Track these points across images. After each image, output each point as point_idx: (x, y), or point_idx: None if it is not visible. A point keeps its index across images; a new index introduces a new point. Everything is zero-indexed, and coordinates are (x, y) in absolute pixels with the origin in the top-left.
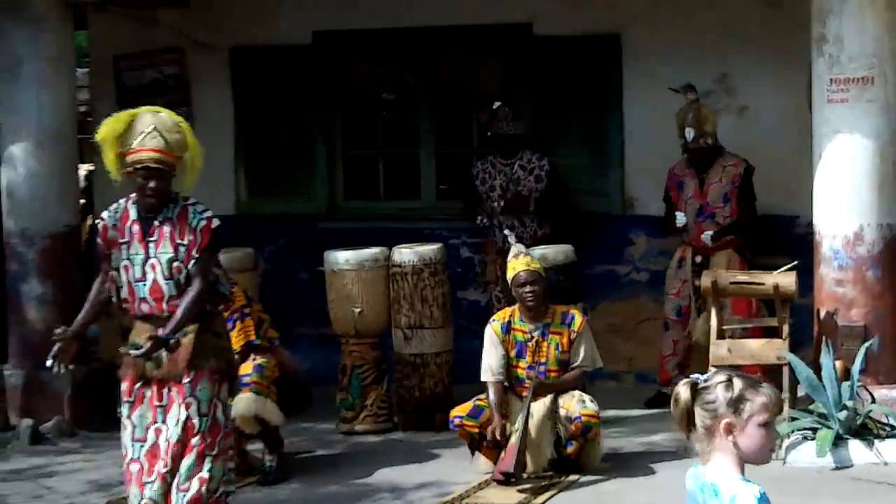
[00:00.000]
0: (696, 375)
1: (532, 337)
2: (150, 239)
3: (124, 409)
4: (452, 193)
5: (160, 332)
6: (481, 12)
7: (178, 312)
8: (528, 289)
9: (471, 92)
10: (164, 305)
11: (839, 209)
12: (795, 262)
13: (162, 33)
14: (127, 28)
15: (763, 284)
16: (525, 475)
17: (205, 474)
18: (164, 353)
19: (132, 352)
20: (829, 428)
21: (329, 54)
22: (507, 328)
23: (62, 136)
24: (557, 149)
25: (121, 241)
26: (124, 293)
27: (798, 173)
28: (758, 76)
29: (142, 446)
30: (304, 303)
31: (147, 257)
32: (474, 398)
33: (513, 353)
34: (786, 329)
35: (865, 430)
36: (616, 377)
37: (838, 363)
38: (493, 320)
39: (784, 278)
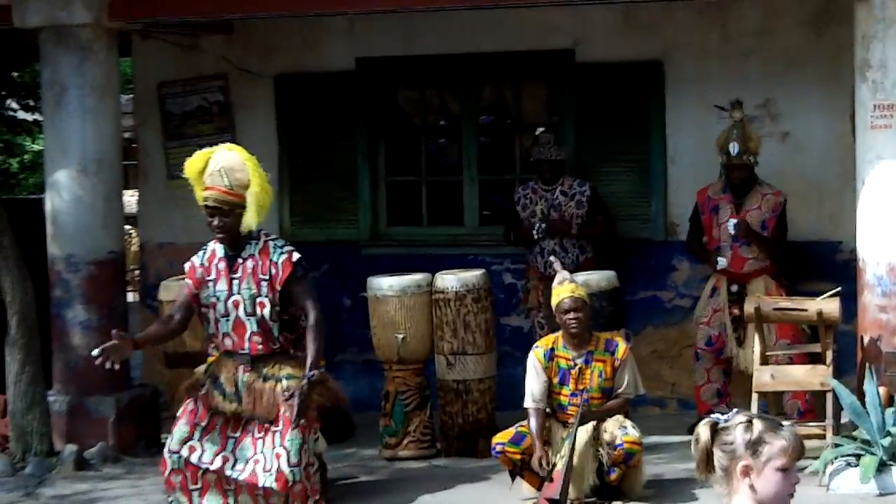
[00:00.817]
0: (717, 415)
1: (575, 364)
2: (234, 276)
3: (185, 430)
4: (495, 219)
5: (304, 375)
6: (525, 38)
7: (311, 349)
8: (572, 315)
9: (514, 118)
10: (247, 343)
11: (882, 235)
12: (839, 289)
13: (206, 60)
14: (171, 55)
15: (806, 311)
16: (569, 502)
17: None
18: (243, 392)
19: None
20: (872, 454)
21: (372, 80)
22: (551, 355)
23: (107, 162)
24: (600, 175)
25: (208, 278)
26: (211, 329)
27: (841, 199)
28: (801, 102)
29: (210, 467)
30: (347, 329)
31: (230, 294)
32: (516, 425)
33: (556, 380)
34: (829, 355)
35: None
36: (659, 403)
37: (882, 389)
38: (537, 347)
39: (827, 304)
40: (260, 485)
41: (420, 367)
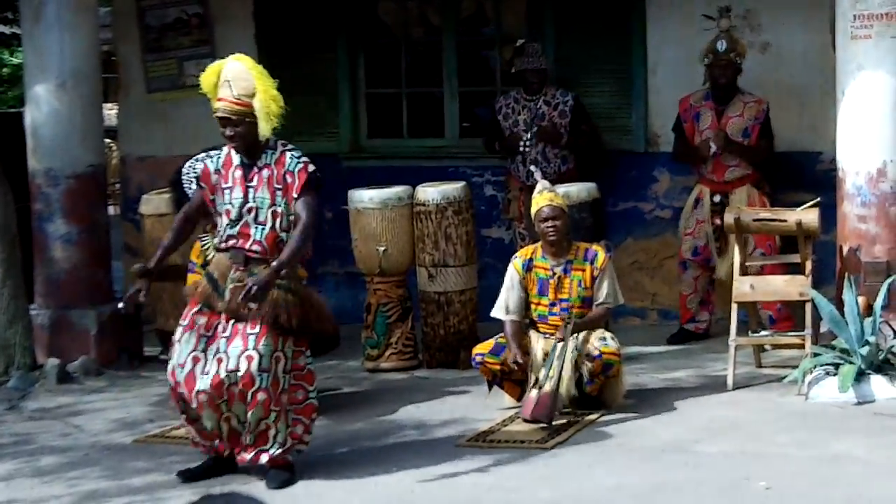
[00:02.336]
0: None
1: (554, 273)
2: (250, 184)
3: (191, 342)
4: (476, 131)
5: (265, 273)
6: None
7: (285, 250)
8: (550, 224)
9: (495, 29)
10: (248, 246)
11: (862, 146)
12: (818, 199)
13: None
14: None
15: (786, 221)
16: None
17: (273, 426)
18: (228, 286)
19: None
20: (851, 363)
21: None
22: (529, 266)
23: (85, 76)
24: (581, 86)
25: (224, 185)
26: (223, 234)
27: (821, 110)
28: (782, 12)
29: (207, 378)
30: (329, 242)
31: (245, 201)
32: (496, 336)
33: (534, 291)
34: (809, 265)
35: (888, 366)
36: (640, 314)
37: (861, 299)
38: (515, 257)
39: (807, 215)
40: (222, 375)
41: (401, 280)
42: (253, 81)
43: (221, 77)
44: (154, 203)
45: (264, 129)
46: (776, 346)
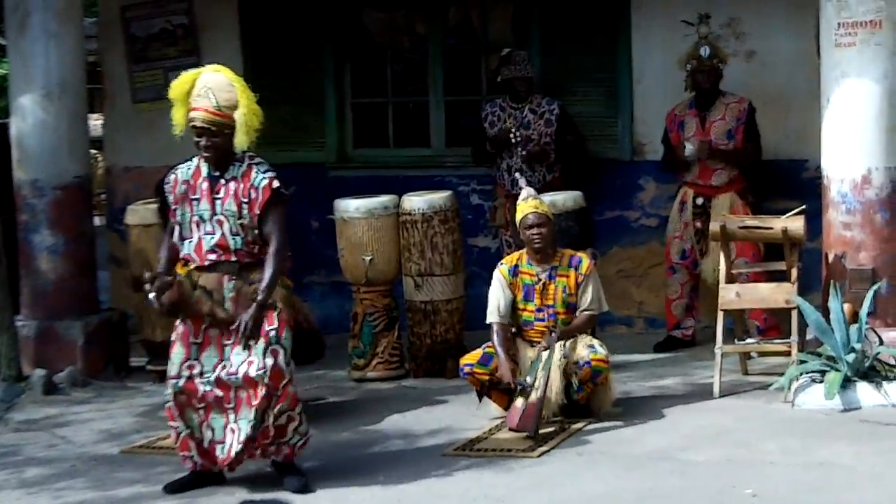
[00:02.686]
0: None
1: (539, 279)
2: (217, 196)
3: (182, 353)
4: (463, 140)
5: (258, 296)
6: None
7: (267, 274)
8: (535, 231)
9: (481, 38)
10: (232, 256)
11: (847, 153)
12: (804, 207)
13: None
14: None
15: (772, 229)
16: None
17: (294, 415)
18: (228, 296)
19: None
20: (837, 370)
21: (338, 2)
22: (515, 271)
23: (71, 87)
24: (567, 95)
25: (192, 196)
26: (191, 247)
27: (806, 117)
28: (766, 20)
29: (210, 385)
30: (315, 251)
31: (213, 213)
32: (483, 345)
33: (520, 296)
34: (794, 273)
35: (873, 373)
36: (627, 322)
37: (847, 306)
38: (501, 264)
39: (793, 222)
40: (252, 375)
41: (388, 289)
42: (235, 94)
43: (199, 86)
44: (140, 213)
45: (241, 141)
46: (762, 354)
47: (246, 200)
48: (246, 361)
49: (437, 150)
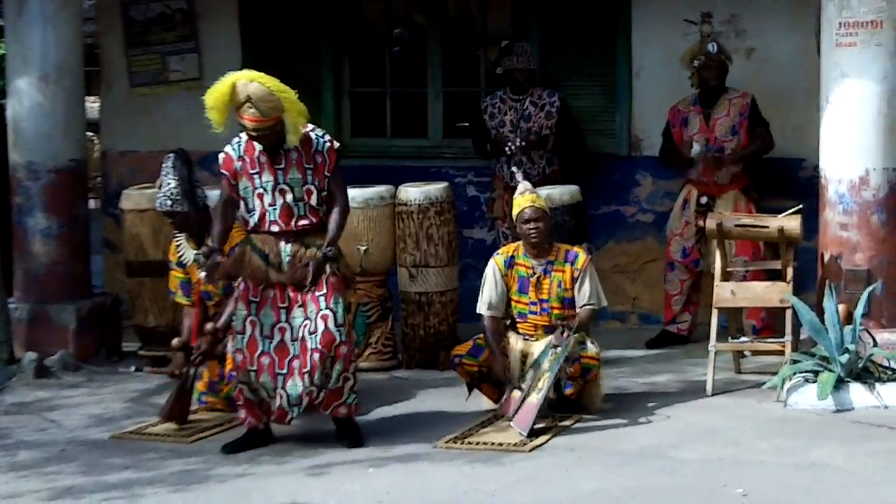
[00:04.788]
0: None
1: (535, 273)
2: (279, 166)
3: (243, 309)
4: (460, 132)
5: (319, 252)
6: None
7: (332, 227)
8: (531, 225)
9: (479, 30)
10: (293, 224)
11: (845, 153)
12: (801, 206)
13: None
14: None
15: (768, 227)
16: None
17: (349, 375)
18: (286, 262)
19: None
20: (830, 371)
21: None
22: (511, 262)
23: (68, 70)
24: (565, 89)
25: (251, 171)
26: (256, 218)
27: (805, 117)
28: (767, 18)
29: (270, 342)
30: None
31: (276, 183)
32: (474, 337)
33: (515, 288)
34: (790, 272)
35: (867, 374)
36: (621, 318)
37: (841, 307)
38: (497, 254)
39: (789, 222)
40: (309, 348)
41: (382, 279)
42: (278, 102)
43: (241, 95)
44: (135, 198)
45: (292, 140)
46: (756, 352)
47: (311, 166)
48: (302, 325)
49: (434, 140)
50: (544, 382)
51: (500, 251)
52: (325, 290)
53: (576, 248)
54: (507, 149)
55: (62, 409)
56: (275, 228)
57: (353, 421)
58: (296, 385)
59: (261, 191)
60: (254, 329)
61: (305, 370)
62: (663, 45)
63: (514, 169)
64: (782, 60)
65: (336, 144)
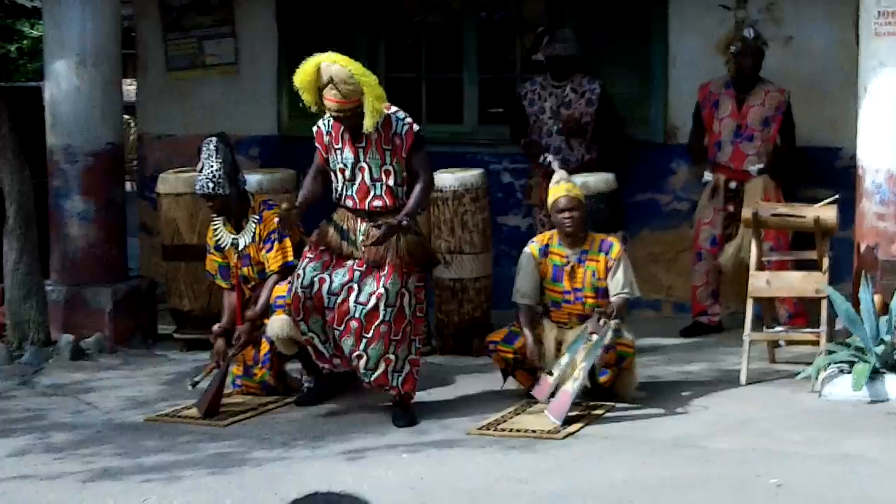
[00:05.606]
0: None
1: (569, 261)
2: (360, 145)
3: (320, 266)
4: (495, 118)
5: (395, 219)
6: None
7: (412, 200)
8: (566, 215)
9: (515, 16)
10: (367, 204)
11: (883, 143)
12: (837, 196)
13: None
14: None
15: (804, 217)
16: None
17: (390, 356)
18: (360, 239)
19: (373, 232)
20: (865, 362)
21: None
22: (546, 251)
23: (105, 54)
24: (600, 76)
25: (335, 146)
26: (339, 190)
27: (843, 106)
28: (805, 6)
29: (336, 298)
30: None
31: (356, 161)
32: (509, 324)
33: (549, 277)
34: (825, 262)
35: None
36: (654, 306)
37: (877, 297)
38: (532, 242)
39: (825, 211)
40: (353, 315)
41: None
42: (358, 84)
43: (324, 76)
44: (171, 182)
45: (369, 124)
46: (790, 343)
47: (389, 148)
48: (376, 294)
49: (469, 127)
50: (580, 372)
51: (534, 239)
52: (385, 271)
53: (610, 238)
54: (541, 158)
55: (98, 392)
56: (349, 204)
57: (405, 401)
58: (347, 342)
59: (342, 166)
60: (321, 285)
61: (354, 334)
62: (699, 32)
63: (549, 157)
64: (820, 49)
65: (415, 127)
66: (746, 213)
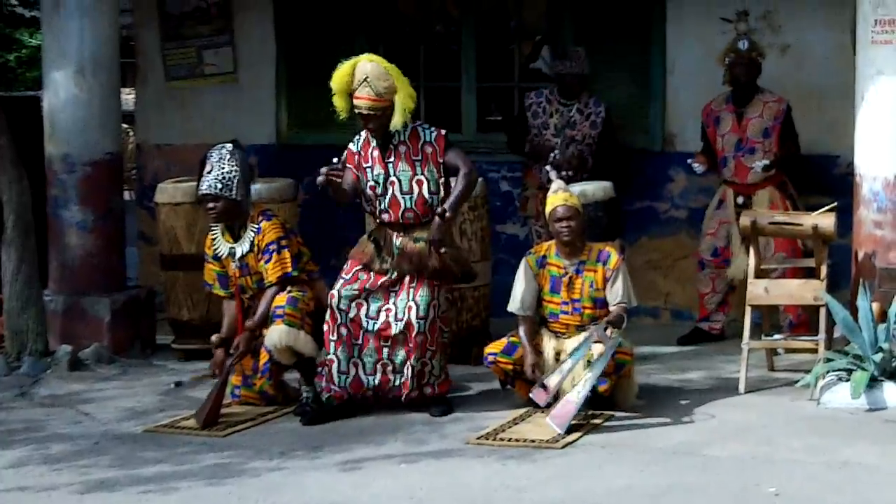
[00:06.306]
0: None
1: (567, 272)
2: (388, 160)
3: (358, 287)
4: (494, 126)
5: (438, 211)
6: None
7: (456, 190)
8: (564, 224)
9: (515, 24)
10: (400, 216)
11: (880, 151)
12: (835, 203)
13: None
14: None
15: (802, 225)
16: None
17: (429, 365)
18: (396, 252)
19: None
20: (864, 370)
21: None
22: (543, 262)
23: (104, 63)
24: (599, 84)
25: (365, 165)
26: (371, 205)
27: (840, 113)
28: (802, 14)
29: (375, 322)
30: (343, 234)
31: (387, 176)
32: (508, 334)
33: (546, 288)
34: (824, 270)
35: None
36: (653, 314)
37: (875, 305)
38: (529, 253)
39: (823, 219)
40: (392, 333)
41: None
42: (393, 82)
43: (358, 75)
44: (169, 192)
45: (397, 122)
46: (789, 350)
47: (418, 158)
48: (407, 307)
49: (467, 135)
50: (585, 383)
51: (531, 251)
52: (414, 284)
53: (608, 248)
54: (550, 156)
55: (96, 402)
56: (385, 218)
57: (439, 396)
58: (397, 354)
59: (373, 183)
60: (359, 310)
61: (405, 348)
62: (698, 41)
63: (547, 168)
64: (817, 57)
65: (443, 132)
66: (744, 220)
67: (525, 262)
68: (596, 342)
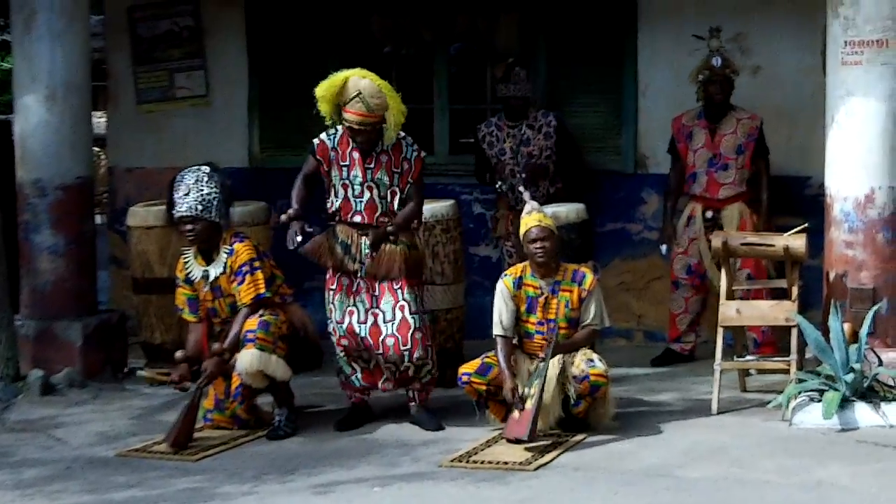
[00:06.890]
0: None
1: (542, 293)
2: (369, 166)
3: (345, 298)
4: (467, 148)
5: (388, 228)
6: None
7: (401, 217)
8: (538, 245)
9: (487, 47)
10: (375, 219)
11: (851, 171)
12: (806, 224)
13: None
14: None
15: (773, 246)
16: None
17: (429, 360)
18: (367, 254)
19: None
20: (835, 390)
21: (345, 7)
22: (519, 283)
23: (75, 87)
24: (571, 106)
25: (342, 163)
26: (338, 204)
27: (811, 135)
28: (773, 36)
29: (365, 326)
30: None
31: (364, 180)
32: (483, 355)
33: (523, 308)
34: (795, 290)
35: (872, 393)
36: (626, 335)
37: (846, 325)
38: (505, 275)
39: (794, 240)
40: (384, 334)
41: None
42: (385, 98)
43: (350, 90)
44: (141, 215)
45: (389, 137)
46: (761, 371)
47: (398, 171)
48: (399, 306)
49: (440, 157)
50: (535, 389)
51: (507, 272)
52: (400, 283)
53: (583, 268)
54: (497, 187)
55: (68, 427)
56: (357, 219)
57: (427, 405)
58: (392, 359)
59: (346, 182)
60: (351, 317)
61: (387, 352)
62: (670, 63)
63: (520, 189)
64: (788, 78)
65: (422, 154)
66: (717, 241)
67: (502, 284)
68: (542, 360)
